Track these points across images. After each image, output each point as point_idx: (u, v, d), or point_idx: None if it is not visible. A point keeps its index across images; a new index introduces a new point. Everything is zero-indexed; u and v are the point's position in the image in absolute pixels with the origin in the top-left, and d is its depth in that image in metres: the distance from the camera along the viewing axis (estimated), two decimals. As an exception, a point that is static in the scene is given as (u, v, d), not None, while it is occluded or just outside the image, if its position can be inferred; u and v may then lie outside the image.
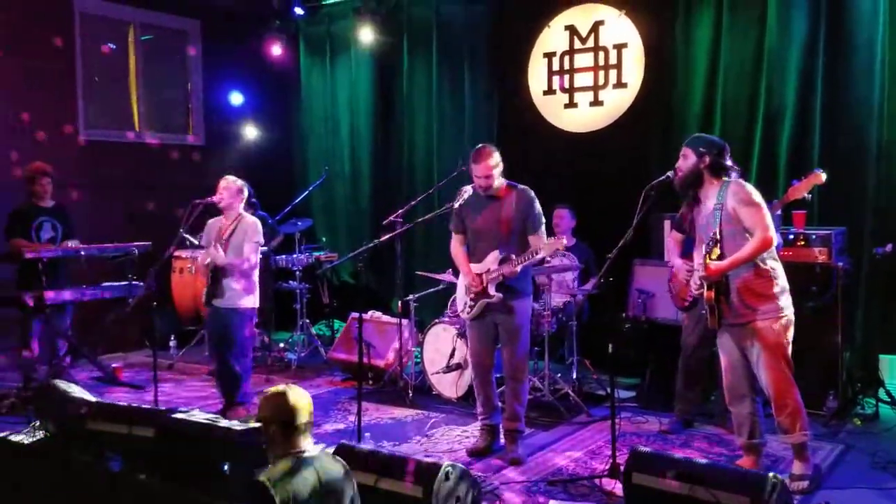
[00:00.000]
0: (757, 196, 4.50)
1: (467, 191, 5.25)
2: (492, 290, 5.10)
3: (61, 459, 4.44)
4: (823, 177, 5.25)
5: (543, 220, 5.20)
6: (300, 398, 3.34)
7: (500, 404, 5.39)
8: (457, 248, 5.39)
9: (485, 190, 5.13)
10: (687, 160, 4.65)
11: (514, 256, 5.03)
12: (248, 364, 6.14)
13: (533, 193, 5.19)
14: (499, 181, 5.14)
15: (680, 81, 7.13)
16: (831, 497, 4.49)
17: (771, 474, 3.66)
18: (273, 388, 3.41)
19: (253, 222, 6.03)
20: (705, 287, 4.56)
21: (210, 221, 6.21)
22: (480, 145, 5.16)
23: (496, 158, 5.08)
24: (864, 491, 4.60)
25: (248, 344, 6.12)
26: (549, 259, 6.75)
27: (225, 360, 6.00)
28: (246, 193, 6.22)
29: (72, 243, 7.05)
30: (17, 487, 4.42)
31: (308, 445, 3.32)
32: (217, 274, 5.89)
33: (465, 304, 5.28)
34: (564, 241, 5.12)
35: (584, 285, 6.83)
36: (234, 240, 5.93)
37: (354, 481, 3.42)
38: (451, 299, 6.51)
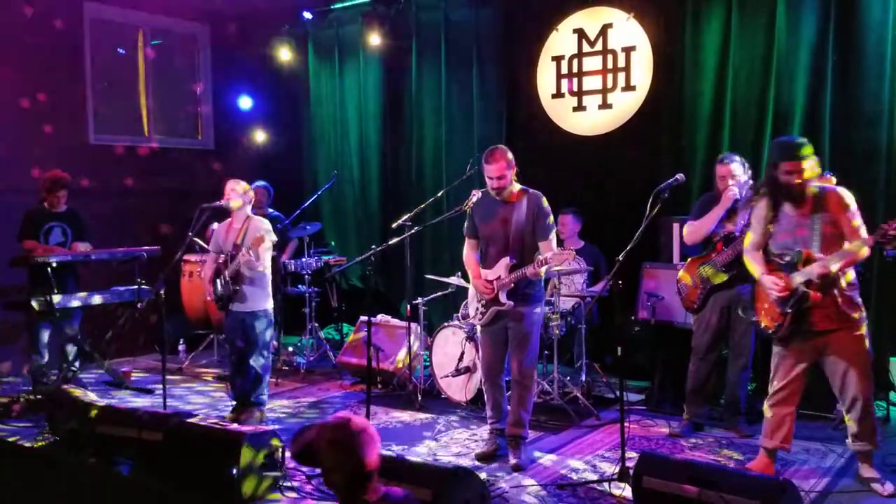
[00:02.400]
0: (854, 203, 4.49)
1: (477, 194, 5.22)
2: (503, 298, 5.06)
3: (71, 463, 4.45)
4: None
5: (554, 226, 5.17)
6: (367, 439, 2.81)
7: (509, 408, 5.36)
8: (469, 254, 5.33)
9: (498, 192, 5.08)
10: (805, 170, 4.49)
11: (525, 266, 4.98)
12: (268, 365, 6.19)
13: (545, 199, 5.12)
14: (512, 184, 5.11)
15: (689, 84, 7.10)
16: (841, 500, 4.47)
17: (781, 478, 3.64)
18: (334, 422, 2.86)
19: (262, 224, 6.05)
20: (809, 289, 4.43)
21: (217, 227, 6.23)
22: (494, 146, 5.12)
23: (510, 159, 5.03)
24: (873, 495, 4.55)
25: (268, 345, 6.17)
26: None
27: (245, 362, 6.04)
28: (252, 195, 6.27)
29: (82, 246, 7.07)
30: (26, 491, 4.43)
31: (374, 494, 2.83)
32: (237, 279, 5.91)
33: (477, 309, 5.27)
34: (574, 253, 5.05)
35: (593, 287, 6.80)
36: (247, 242, 5.94)
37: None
38: (464, 303, 6.50)
